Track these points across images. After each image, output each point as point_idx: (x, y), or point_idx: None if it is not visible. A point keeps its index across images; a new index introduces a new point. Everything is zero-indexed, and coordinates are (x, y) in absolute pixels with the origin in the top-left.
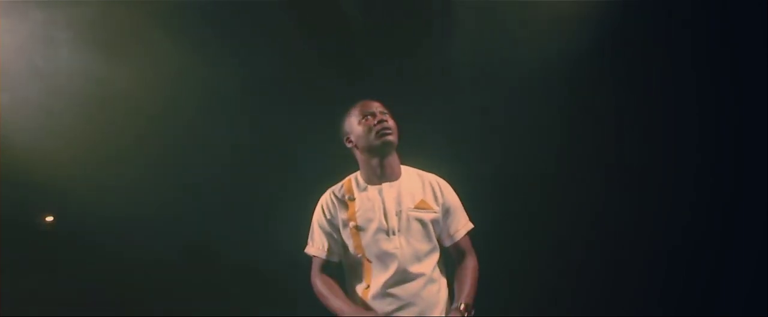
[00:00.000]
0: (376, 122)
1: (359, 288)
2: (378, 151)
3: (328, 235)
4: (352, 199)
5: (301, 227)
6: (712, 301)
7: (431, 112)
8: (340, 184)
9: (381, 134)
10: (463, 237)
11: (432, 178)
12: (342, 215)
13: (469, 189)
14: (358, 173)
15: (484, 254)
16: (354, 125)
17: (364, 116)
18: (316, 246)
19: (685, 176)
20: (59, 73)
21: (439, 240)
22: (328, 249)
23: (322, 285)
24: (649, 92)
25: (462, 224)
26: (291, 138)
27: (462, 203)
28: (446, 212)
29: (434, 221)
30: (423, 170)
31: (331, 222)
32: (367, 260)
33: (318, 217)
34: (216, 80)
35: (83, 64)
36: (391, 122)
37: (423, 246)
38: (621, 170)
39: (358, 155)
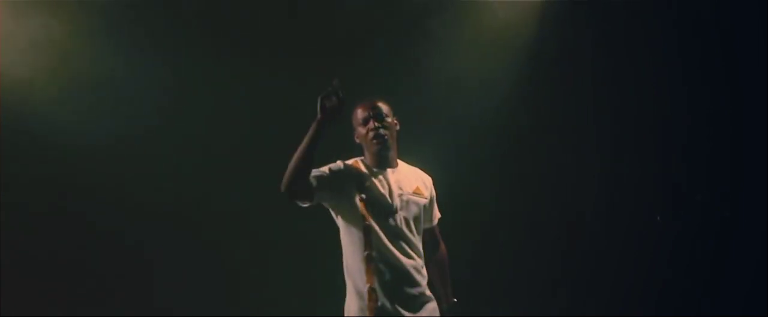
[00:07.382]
0: (372, 129)
1: (359, 255)
2: (373, 150)
3: (325, 179)
4: (362, 177)
5: None
6: (712, 301)
7: (430, 116)
8: (349, 161)
9: (375, 140)
10: (436, 224)
11: (420, 172)
12: (349, 184)
13: (470, 188)
14: (363, 158)
15: (484, 253)
16: (357, 124)
17: (366, 120)
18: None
19: (684, 176)
20: None
21: None
22: (318, 182)
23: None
24: (649, 92)
25: (437, 214)
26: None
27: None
28: (430, 202)
29: (423, 207)
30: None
31: (335, 177)
32: (370, 228)
33: (323, 169)
34: None
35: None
36: (389, 120)
37: (417, 226)
38: (621, 171)
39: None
